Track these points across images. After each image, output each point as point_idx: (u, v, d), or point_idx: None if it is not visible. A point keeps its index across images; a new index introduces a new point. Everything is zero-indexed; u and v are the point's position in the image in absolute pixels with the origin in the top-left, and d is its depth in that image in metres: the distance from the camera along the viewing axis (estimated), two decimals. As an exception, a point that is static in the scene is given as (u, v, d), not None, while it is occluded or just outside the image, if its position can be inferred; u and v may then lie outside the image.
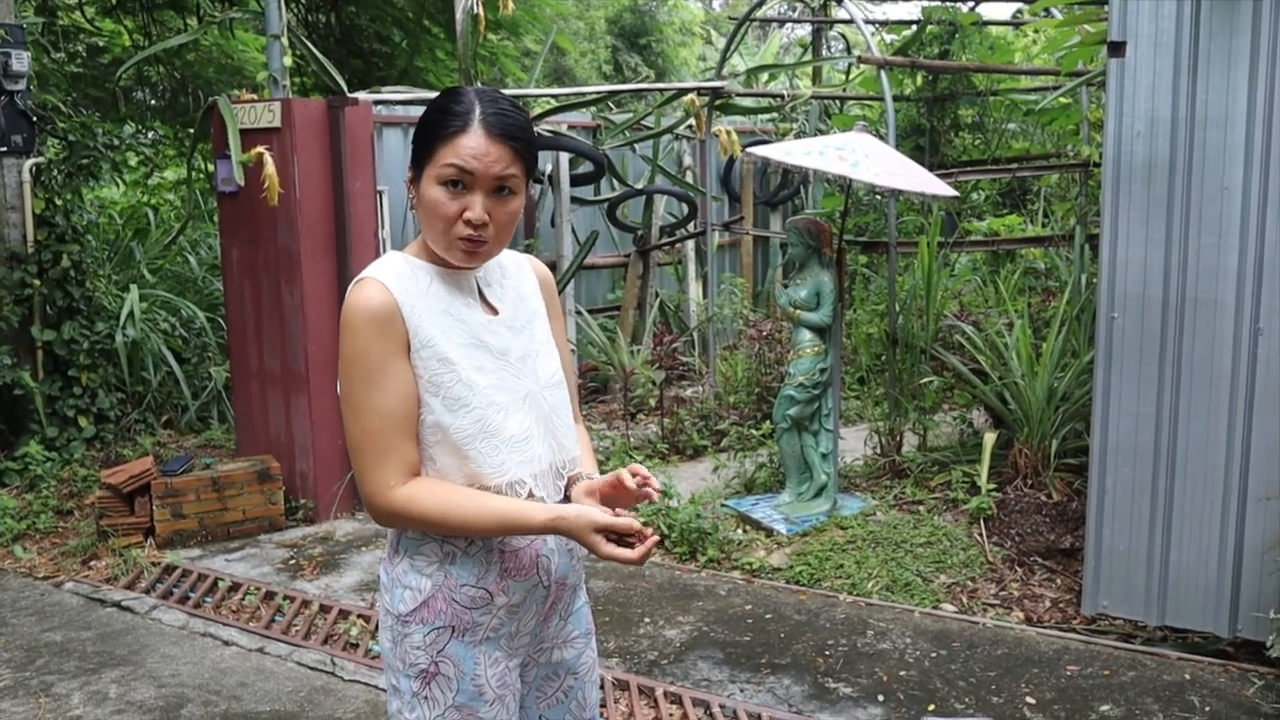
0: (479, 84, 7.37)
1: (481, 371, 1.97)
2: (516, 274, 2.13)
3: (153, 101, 10.78)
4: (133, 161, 9.40)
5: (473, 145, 1.88)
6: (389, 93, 7.20)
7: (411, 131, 7.66)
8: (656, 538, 1.92)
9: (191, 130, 7.66)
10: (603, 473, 2.10)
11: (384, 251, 6.66)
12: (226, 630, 4.75)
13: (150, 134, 10.07)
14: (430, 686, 1.99)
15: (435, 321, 1.94)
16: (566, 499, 2.09)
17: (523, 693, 2.15)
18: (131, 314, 7.20)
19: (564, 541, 2.06)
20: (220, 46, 9.97)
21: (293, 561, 5.54)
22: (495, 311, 2.04)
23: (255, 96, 6.31)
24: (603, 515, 1.89)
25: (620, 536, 1.90)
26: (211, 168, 7.28)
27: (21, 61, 6.56)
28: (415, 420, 1.94)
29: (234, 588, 5.19)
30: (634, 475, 1.99)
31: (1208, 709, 3.82)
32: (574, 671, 2.19)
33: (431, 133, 1.92)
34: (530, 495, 2.00)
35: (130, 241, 8.70)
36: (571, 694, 2.20)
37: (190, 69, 9.98)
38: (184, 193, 9.04)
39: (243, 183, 5.91)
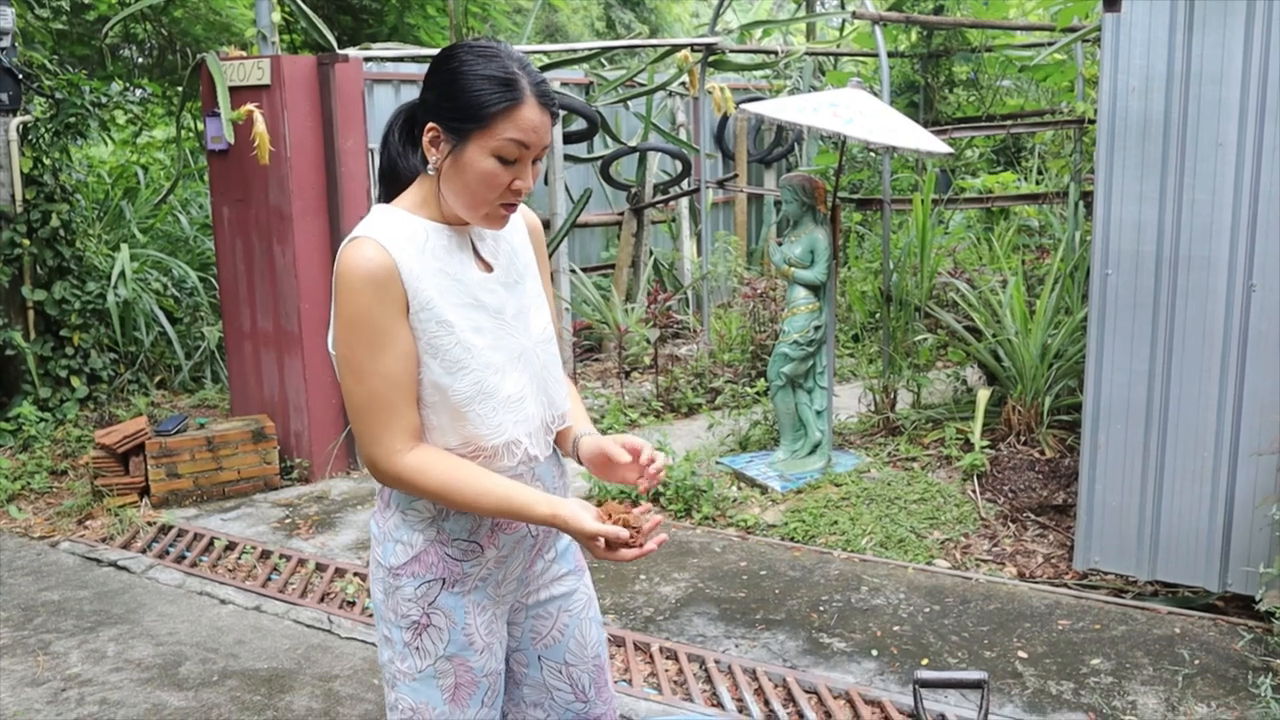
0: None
1: (479, 332, 1.96)
2: (509, 227, 2.11)
3: (140, 59, 10.68)
4: (121, 120, 9.31)
5: (531, 118, 1.87)
6: (379, 50, 7.13)
7: (402, 89, 7.52)
8: (654, 546, 1.93)
9: (180, 88, 7.58)
10: (598, 426, 2.13)
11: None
12: (223, 589, 4.78)
13: (138, 92, 9.97)
14: (421, 638, 2.01)
15: (433, 282, 1.91)
16: (555, 452, 2.14)
17: (518, 638, 2.17)
18: (123, 274, 7.16)
19: (551, 490, 2.08)
20: (208, 3, 9.86)
21: (288, 520, 5.56)
22: (489, 268, 2.03)
23: (244, 53, 6.24)
24: (593, 524, 1.88)
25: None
26: (201, 126, 7.22)
27: (5, 18, 6.48)
28: (416, 381, 1.93)
29: (230, 547, 5.21)
30: (630, 452, 2.01)
31: (1197, 662, 3.87)
32: (567, 609, 2.20)
33: (483, 102, 1.85)
34: (525, 453, 2.01)
35: (120, 201, 8.63)
36: (568, 632, 2.20)
37: (178, 26, 9.88)
38: (173, 151, 8.97)
39: (233, 141, 5.86)
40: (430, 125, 1.91)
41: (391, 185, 2.04)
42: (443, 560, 1.99)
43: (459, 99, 1.87)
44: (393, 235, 1.90)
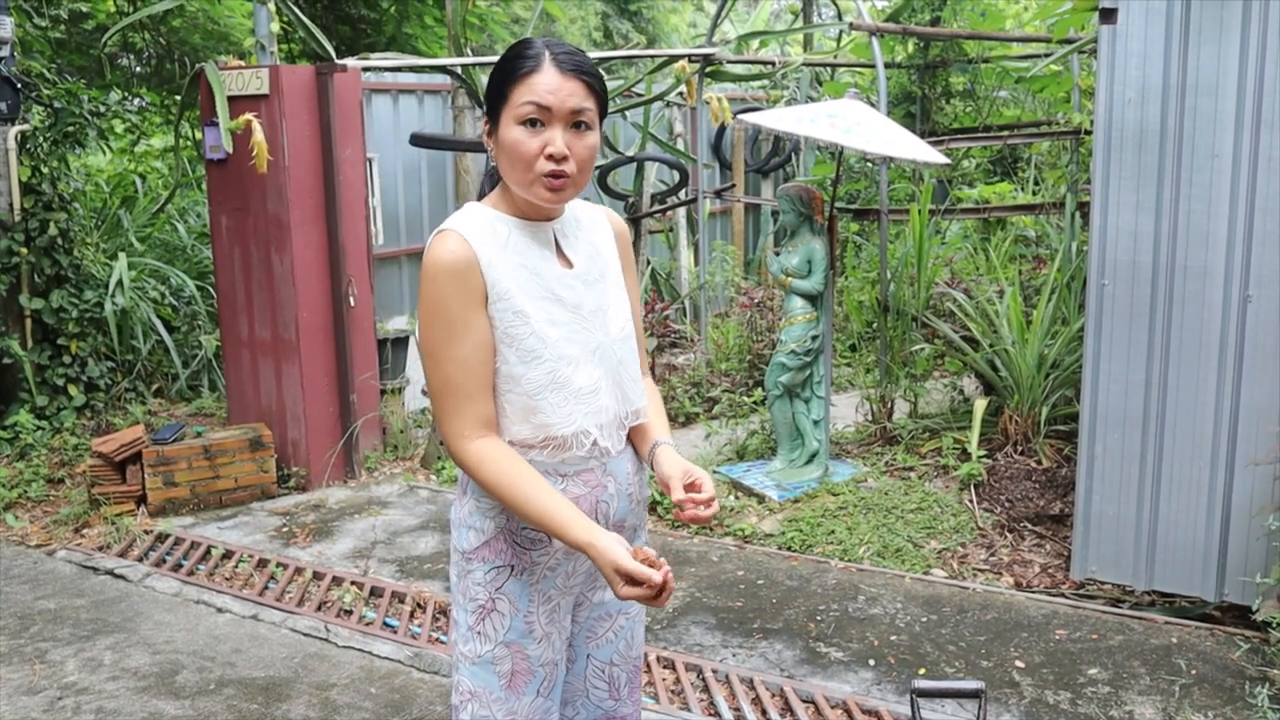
0: (468, 51, 7.32)
1: (554, 324, 2.02)
2: (591, 227, 2.18)
3: (138, 68, 10.69)
4: (119, 129, 9.32)
5: (547, 81, 1.95)
6: (377, 59, 7.15)
7: (400, 99, 7.57)
8: (670, 585, 1.88)
9: (178, 97, 7.60)
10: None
11: (374, 219, 6.65)
12: (220, 597, 4.77)
13: (136, 101, 9.99)
14: (484, 622, 2.07)
15: (512, 275, 2.00)
16: (632, 446, 2.19)
17: (573, 632, 2.21)
18: (120, 282, 7.16)
19: (624, 485, 2.13)
20: (206, 12, 9.87)
21: (285, 529, 5.55)
22: (570, 265, 2.09)
23: (243, 63, 6.25)
24: (626, 560, 1.86)
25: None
26: (199, 135, 7.23)
27: (4, 27, 6.49)
28: (492, 370, 2.00)
29: (227, 555, 5.20)
30: (690, 489, 2.05)
31: (1194, 672, 3.87)
32: (625, 611, 2.25)
33: (504, 78, 1.98)
34: (595, 444, 2.06)
35: (118, 209, 8.63)
36: (621, 634, 2.26)
37: (176, 35, 9.89)
38: (171, 160, 8.98)
39: (231, 150, 5.87)
40: (483, 122, 2.06)
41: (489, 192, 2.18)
42: (512, 547, 2.06)
43: (490, 89, 2.01)
44: (476, 229, 2.00)
